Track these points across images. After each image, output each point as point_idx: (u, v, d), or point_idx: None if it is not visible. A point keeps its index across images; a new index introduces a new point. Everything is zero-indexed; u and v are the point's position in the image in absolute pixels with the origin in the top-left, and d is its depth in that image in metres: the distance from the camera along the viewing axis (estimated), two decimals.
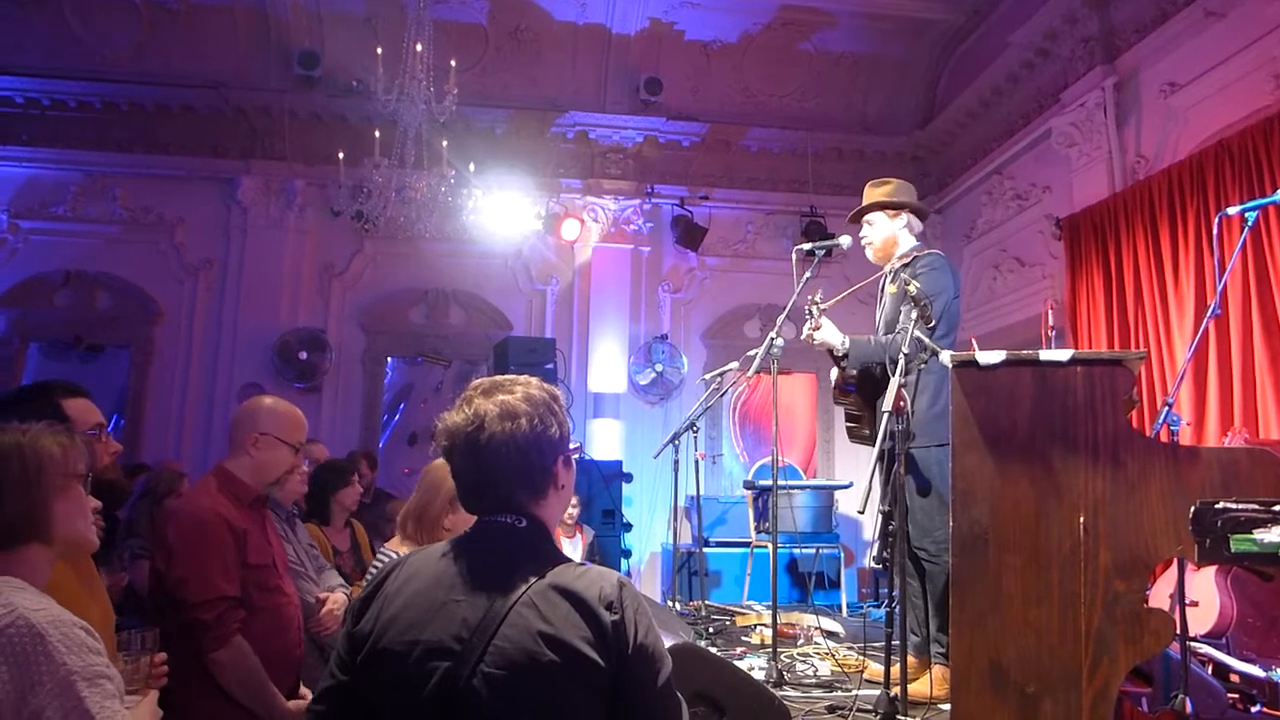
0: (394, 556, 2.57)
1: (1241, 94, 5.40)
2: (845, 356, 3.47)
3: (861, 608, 5.89)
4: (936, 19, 8.52)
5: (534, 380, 1.60)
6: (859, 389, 3.59)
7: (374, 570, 2.82)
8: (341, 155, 7.32)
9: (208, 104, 8.45)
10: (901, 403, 2.80)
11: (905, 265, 3.49)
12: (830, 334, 3.47)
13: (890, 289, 3.54)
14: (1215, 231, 3.18)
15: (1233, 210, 3.08)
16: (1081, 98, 6.69)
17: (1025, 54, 7.44)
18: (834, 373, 3.65)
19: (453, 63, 6.75)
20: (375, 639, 1.47)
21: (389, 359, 8.94)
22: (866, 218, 3.69)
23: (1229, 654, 3.80)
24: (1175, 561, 3.07)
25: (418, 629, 1.44)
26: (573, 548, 6.38)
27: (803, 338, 3.53)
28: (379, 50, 6.75)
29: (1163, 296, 5.78)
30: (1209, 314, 3.00)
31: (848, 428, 3.77)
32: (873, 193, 3.68)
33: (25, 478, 1.56)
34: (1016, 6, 7.61)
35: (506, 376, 1.61)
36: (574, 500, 6.37)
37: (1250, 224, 3.03)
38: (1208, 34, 5.68)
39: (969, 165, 8.65)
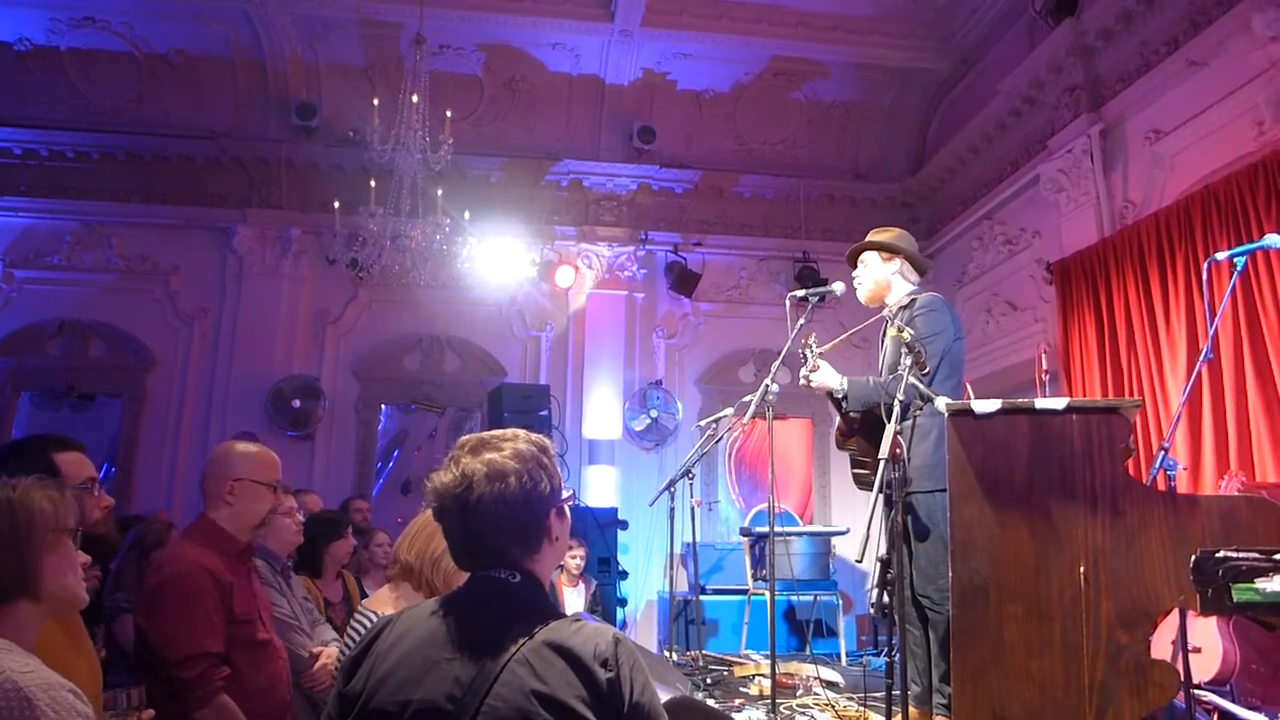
0: (375, 616, 2.49)
1: (1225, 141, 5.49)
2: (845, 398, 3.44)
3: (861, 656, 5.80)
4: (925, 68, 8.69)
5: (522, 433, 1.59)
6: (863, 431, 3.53)
7: (354, 630, 2.70)
8: (337, 204, 7.36)
9: (205, 154, 8.52)
10: (898, 450, 2.77)
11: (904, 308, 3.50)
12: (828, 376, 3.43)
13: (890, 333, 3.53)
14: (1205, 276, 3.21)
15: (1221, 255, 3.11)
16: (1068, 144, 6.79)
17: (1013, 102, 7.57)
18: (837, 419, 3.61)
19: (448, 113, 6.83)
20: (367, 698, 1.45)
21: (383, 406, 8.90)
22: (861, 258, 3.72)
23: (1233, 701, 3.74)
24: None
25: (410, 688, 1.42)
26: (577, 597, 6.29)
27: (800, 381, 3.51)
28: (375, 101, 6.83)
29: (1155, 340, 5.80)
30: (1201, 358, 3.01)
31: (854, 474, 3.69)
32: (872, 236, 3.72)
33: (15, 533, 1.54)
34: (1003, 55, 7.76)
35: (494, 432, 1.59)
36: (580, 553, 6.29)
37: (1239, 269, 3.06)
38: (1190, 82, 5.79)
39: (959, 211, 8.75)
